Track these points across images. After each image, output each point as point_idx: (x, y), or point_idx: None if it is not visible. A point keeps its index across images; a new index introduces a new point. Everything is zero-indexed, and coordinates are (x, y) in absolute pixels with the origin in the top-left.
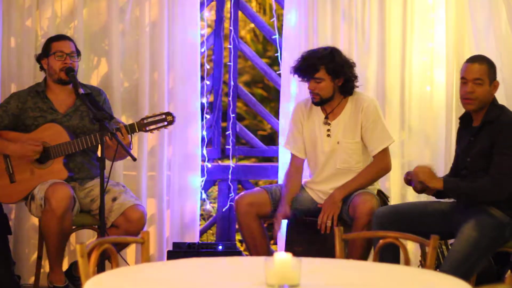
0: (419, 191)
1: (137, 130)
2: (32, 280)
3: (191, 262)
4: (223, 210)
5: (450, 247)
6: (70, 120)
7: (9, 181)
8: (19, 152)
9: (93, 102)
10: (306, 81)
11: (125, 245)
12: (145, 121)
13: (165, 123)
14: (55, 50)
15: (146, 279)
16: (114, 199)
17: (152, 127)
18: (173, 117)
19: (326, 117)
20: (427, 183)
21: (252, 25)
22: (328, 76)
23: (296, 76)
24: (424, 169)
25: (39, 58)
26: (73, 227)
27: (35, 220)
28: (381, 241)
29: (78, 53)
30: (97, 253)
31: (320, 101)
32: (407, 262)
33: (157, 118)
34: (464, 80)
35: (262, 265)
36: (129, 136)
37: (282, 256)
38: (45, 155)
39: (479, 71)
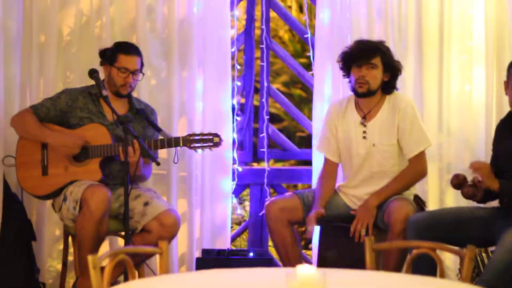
0: (469, 196)
1: (181, 145)
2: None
3: (212, 275)
4: (260, 214)
5: (490, 255)
6: (116, 130)
7: (41, 173)
8: (60, 142)
9: (147, 119)
10: (359, 66)
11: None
12: (191, 138)
13: (211, 143)
14: (120, 65)
15: None
16: (146, 204)
17: (197, 145)
18: (221, 140)
19: (364, 117)
20: (484, 182)
21: None
22: (382, 65)
23: (341, 64)
24: (484, 166)
25: (102, 59)
26: None
27: (60, 226)
28: (414, 251)
29: (141, 68)
30: (112, 264)
31: (366, 92)
32: (442, 274)
33: (204, 137)
34: None
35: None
36: (175, 148)
37: (305, 270)
38: (83, 154)
39: None
